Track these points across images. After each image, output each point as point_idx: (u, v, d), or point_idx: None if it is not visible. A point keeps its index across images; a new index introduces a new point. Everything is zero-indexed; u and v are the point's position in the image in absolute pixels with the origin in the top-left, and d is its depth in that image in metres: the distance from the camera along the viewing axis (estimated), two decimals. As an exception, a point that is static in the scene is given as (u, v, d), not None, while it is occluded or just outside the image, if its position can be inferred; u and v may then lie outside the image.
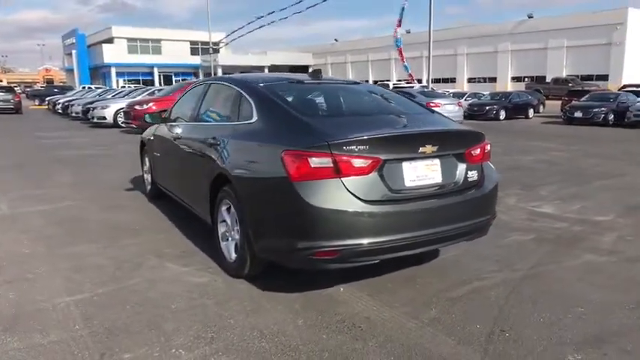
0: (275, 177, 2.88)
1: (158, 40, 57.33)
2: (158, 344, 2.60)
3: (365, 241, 2.75)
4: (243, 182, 3.16)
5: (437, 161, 3.06)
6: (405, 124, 3.28)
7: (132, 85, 42.16)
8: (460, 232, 3.15)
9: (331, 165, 2.72)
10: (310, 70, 4.25)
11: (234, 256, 3.48)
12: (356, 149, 2.75)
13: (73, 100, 23.28)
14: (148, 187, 6.03)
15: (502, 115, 21.57)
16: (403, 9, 20.96)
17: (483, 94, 26.20)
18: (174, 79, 56.11)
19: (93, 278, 3.48)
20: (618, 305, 3.05)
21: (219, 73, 51.59)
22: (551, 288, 3.33)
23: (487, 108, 21.80)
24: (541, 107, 25.83)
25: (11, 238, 4.41)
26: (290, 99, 3.43)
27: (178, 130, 4.60)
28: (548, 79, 36.22)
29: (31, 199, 5.99)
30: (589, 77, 35.88)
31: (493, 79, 43.69)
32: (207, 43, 58.24)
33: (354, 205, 2.73)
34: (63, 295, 3.21)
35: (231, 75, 4.45)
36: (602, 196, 6.15)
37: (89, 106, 18.48)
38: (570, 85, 31.67)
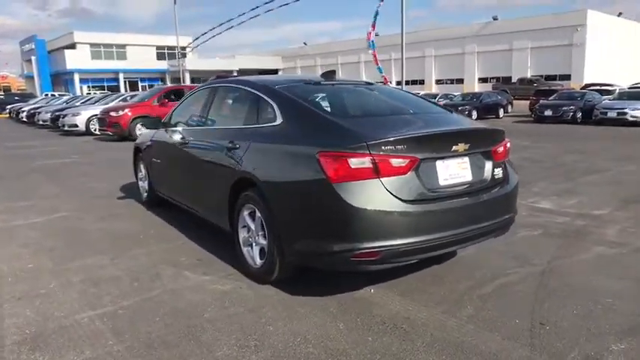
0: (311, 179, 2.84)
1: (123, 46, 55.97)
2: (202, 356, 2.51)
3: (405, 241, 2.74)
4: (273, 185, 3.09)
5: (467, 159, 3.08)
6: (434, 123, 3.29)
7: (97, 92, 41.03)
8: (489, 229, 3.18)
9: (370, 165, 2.70)
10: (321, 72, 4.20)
11: (259, 261, 3.40)
12: (394, 149, 2.74)
13: (40, 107, 22.42)
14: (144, 195, 5.85)
15: (474, 115, 22.05)
16: (377, 13, 21.19)
17: (454, 95, 26.74)
18: (140, 84, 54.92)
19: (111, 291, 3.34)
20: (642, 294, 3.15)
21: (187, 77, 50.85)
22: (574, 281, 3.40)
23: (459, 109, 22.23)
24: (509, 107, 26.59)
25: (11, 253, 4.19)
26: (314, 100, 3.39)
27: (184, 136, 4.47)
28: (513, 80, 37.25)
29: (20, 211, 5.71)
30: (552, 77, 37.16)
31: (461, 81, 44.65)
32: (173, 48, 57.26)
33: (394, 205, 2.72)
34: (84, 309, 3.06)
35: (240, 77, 4.36)
36: (594, 191, 6.36)
37: (58, 113, 17.84)
38: (535, 85, 32.68)
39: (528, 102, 24.25)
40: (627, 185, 6.70)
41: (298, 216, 2.97)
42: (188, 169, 4.38)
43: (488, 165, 3.22)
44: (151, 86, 54.74)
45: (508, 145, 3.47)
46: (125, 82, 53.77)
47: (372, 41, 21.70)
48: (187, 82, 48.75)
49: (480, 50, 43.07)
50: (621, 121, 16.78)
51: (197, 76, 54.51)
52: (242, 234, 3.59)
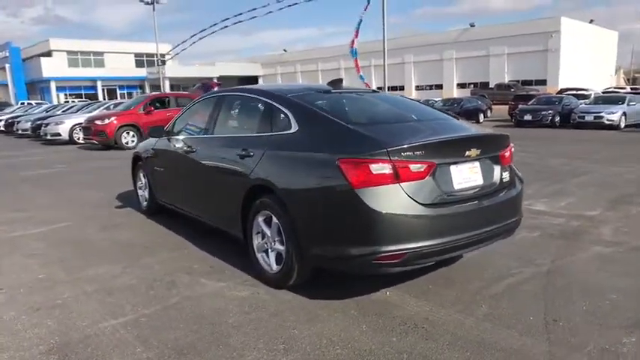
0: (332, 185, 2.92)
1: (100, 53, 55.21)
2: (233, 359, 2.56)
3: (426, 243, 2.85)
4: (292, 192, 3.16)
5: (477, 164, 3.21)
6: (446, 130, 3.42)
7: (75, 100, 40.33)
8: (499, 231, 3.31)
9: (391, 171, 2.80)
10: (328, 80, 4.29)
11: (275, 267, 3.46)
12: (412, 155, 2.85)
13: (18, 116, 21.97)
14: (144, 204, 5.85)
15: (456, 120, 22.43)
16: (360, 21, 21.49)
17: (435, 101, 27.18)
18: (118, 92, 54.27)
19: (129, 300, 3.35)
20: (644, 290, 3.32)
21: (167, 85, 50.43)
22: (579, 279, 3.56)
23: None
24: (489, 112, 27.18)
25: (19, 264, 4.15)
26: (328, 108, 3.47)
27: (190, 144, 4.51)
28: (491, 85, 38.14)
29: (18, 221, 5.64)
30: (529, 82, 38.12)
31: (439, 86, 45.44)
32: (152, 55, 56.73)
33: (415, 209, 2.82)
34: (105, 318, 3.07)
35: (248, 86, 4.43)
36: (583, 193, 6.59)
37: (40, 122, 17.53)
38: (512, 90, 33.49)
39: (507, 107, 24.82)
40: (612, 186, 6.97)
41: (319, 221, 3.05)
42: (196, 178, 4.41)
43: (497, 169, 3.36)
44: (129, 94, 54.26)
45: (512, 149, 3.62)
46: (103, 89, 53.05)
47: (355, 49, 21.92)
48: (167, 89, 48.42)
49: (458, 56, 43.93)
50: (598, 125, 17.34)
51: (177, 84, 54.22)
52: (256, 240, 3.64)
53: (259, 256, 3.63)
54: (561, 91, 28.60)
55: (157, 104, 14.76)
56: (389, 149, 2.80)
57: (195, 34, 32.63)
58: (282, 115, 3.53)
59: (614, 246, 4.30)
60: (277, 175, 3.31)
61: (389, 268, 2.90)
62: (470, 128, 3.62)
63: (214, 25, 29.41)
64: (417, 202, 2.85)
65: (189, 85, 55.93)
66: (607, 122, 17.14)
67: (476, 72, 42.43)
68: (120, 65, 54.01)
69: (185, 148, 4.55)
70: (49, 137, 16.49)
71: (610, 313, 3.00)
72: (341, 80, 4.15)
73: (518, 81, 38.27)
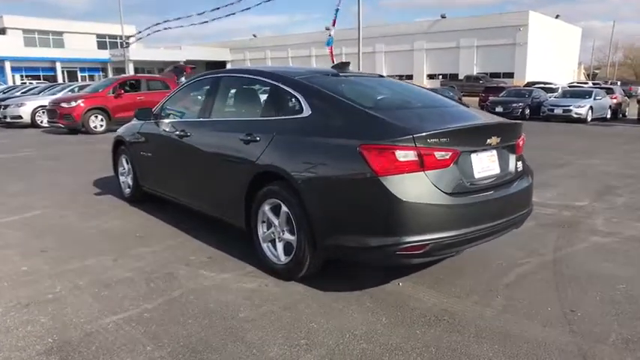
0: (353, 172, 2.79)
1: (60, 33, 52.64)
2: (255, 357, 2.41)
3: (449, 233, 2.76)
4: (307, 179, 3.00)
5: (495, 152, 3.15)
6: (465, 117, 3.34)
7: (33, 82, 38.34)
8: (514, 221, 3.27)
9: (416, 158, 2.69)
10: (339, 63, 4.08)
11: (283, 258, 3.31)
12: (438, 142, 2.75)
13: (-27, 97, 20.63)
14: (127, 191, 5.55)
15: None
16: (337, 10, 21.26)
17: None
18: (79, 74, 51.99)
19: (128, 293, 3.13)
20: (650, 279, 3.36)
21: (131, 68, 48.72)
22: (585, 269, 3.57)
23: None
24: (460, 103, 27.53)
25: (-3, 255, 3.83)
26: (341, 92, 3.31)
27: (184, 128, 4.26)
28: (460, 77, 38.74)
29: (-11, 209, 5.24)
30: (497, 75, 38.93)
31: (410, 77, 45.69)
32: (115, 37, 54.55)
33: (440, 198, 2.73)
34: (105, 314, 2.85)
35: (248, 67, 4.20)
36: (566, 183, 6.71)
37: (-2, 104, 16.50)
38: (481, 82, 34.12)
39: (477, 98, 25.21)
40: (593, 178, 7.13)
41: (337, 210, 2.90)
42: (191, 164, 4.18)
43: (512, 158, 3.31)
44: (91, 77, 52.11)
45: (525, 139, 3.58)
46: (63, 71, 50.62)
47: (332, 38, 21.71)
48: (131, 72, 46.77)
49: (429, 47, 44.33)
50: (567, 118, 17.84)
51: (142, 67, 52.41)
52: (261, 230, 3.48)
53: (265, 246, 3.46)
54: (528, 84, 29.33)
55: (127, 87, 14.14)
56: (415, 135, 2.68)
57: (167, 20, 31.50)
58: (292, 98, 3.36)
59: (610, 236, 4.36)
60: (289, 161, 3.14)
61: (411, 259, 2.80)
62: (487, 116, 3.55)
63: (190, 16, 28.42)
64: (441, 190, 2.75)
65: (154, 68, 54.36)
66: (575, 115, 17.65)
67: (446, 63, 42.97)
68: (81, 46, 51.70)
69: (178, 132, 4.30)
70: (8, 120, 15.55)
71: (624, 302, 3.01)
72: (348, 64, 4.00)
73: (486, 73, 39.02)
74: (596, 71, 61.42)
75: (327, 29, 22.10)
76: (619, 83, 34.42)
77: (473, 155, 2.97)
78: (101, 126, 13.35)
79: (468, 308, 2.94)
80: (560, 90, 22.00)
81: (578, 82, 35.29)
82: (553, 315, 2.84)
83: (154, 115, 4.78)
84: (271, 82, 3.59)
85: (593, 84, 32.17)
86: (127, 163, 5.44)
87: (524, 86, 27.81)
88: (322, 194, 2.95)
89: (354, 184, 2.80)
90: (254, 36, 61.29)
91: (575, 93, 19.73)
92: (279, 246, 3.34)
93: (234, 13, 26.34)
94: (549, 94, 21.33)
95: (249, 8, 25.67)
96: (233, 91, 4.10)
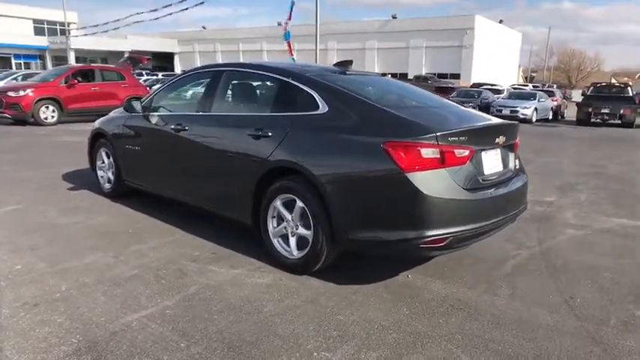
0: (377, 169, 2.87)
1: (-10, 16, 48.93)
2: (293, 350, 2.45)
3: (467, 227, 2.92)
4: (327, 175, 3.05)
5: (499, 151, 3.35)
6: (474, 117, 3.52)
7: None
8: (513, 216, 3.49)
9: (438, 155, 2.82)
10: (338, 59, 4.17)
11: (296, 252, 3.35)
12: (457, 140, 2.89)
13: None
14: (107, 186, 5.33)
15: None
16: (293, 3, 21.27)
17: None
18: (14, 62, 48.59)
19: (142, 291, 3.06)
20: (628, 266, 3.70)
21: (72, 57, 46.23)
22: (572, 259, 3.87)
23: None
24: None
25: (-18, 254, 3.59)
26: (355, 90, 3.37)
27: (180, 122, 4.16)
28: (410, 77, 39.76)
29: (-45, 205, 4.87)
30: (444, 75, 40.43)
31: (361, 75, 46.49)
32: (54, 23, 51.52)
33: (460, 193, 2.88)
34: (125, 312, 2.78)
35: (253, 62, 4.17)
36: (532, 180, 7.05)
37: None
38: (429, 82, 35.13)
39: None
40: (553, 175, 7.64)
41: (359, 204, 2.98)
42: (188, 158, 4.10)
43: (512, 156, 3.54)
44: (27, 64, 48.87)
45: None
46: (-6, 58, 47.14)
47: (289, 32, 21.68)
48: (72, 61, 44.36)
49: (380, 47, 45.22)
50: (514, 118, 18.69)
51: (84, 56, 49.73)
52: (271, 225, 3.49)
53: (275, 241, 3.48)
54: (474, 85, 30.62)
55: (79, 78, 13.46)
56: (438, 134, 2.81)
57: (119, 19, 30.10)
58: (305, 95, 3.39)
59: (583, 229, 4.73)
60: (306, 156, 3.17)
61: (431, 251, 2.93)
62: (486, 116, 3.75)
63: (141, 12, 27.29)
64: (460, 186, 2.90)
65: (96, 58, 51.74)
66: (521, 116, 18.67)
67: (396, 63, 44.02)
68: (15, 31, 48.26)
69: (173, 126, 4.20)
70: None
71: (613, 289, 3.30)
72: (350, 62, 4.08)
73: (434, 74, 40.35)
74: (533, 74, 65.13)
75: (280, 24, 22.05)
76: (555, 86, 36.71)
77: (483, 153, 3.15)
78: (52, 117, 12.62)
79: (479, 297, 3.11)
80: (506, 92, 23.16)
81: (518, 85, 37.27)
82: (556, 302, 3.08)
83: (144, 107, 4.63)
84: (281, 78, 3.60)
85: (533, 87, 34.14)
86: (108, 157, 5.23)
87: (470, 87, 29.04)
88: (343, 189, 3.02)
89: (377, 179, 2.89)
90: (203, 28, 59.86)
91: (520, 95, 20.88)
92: (292, 241, 3.38)
93: (186, 9, 25.46)
94: (497, 96, 22.42)
95: (202, 2, 25.04)
96: (238, 85, 4.06)
